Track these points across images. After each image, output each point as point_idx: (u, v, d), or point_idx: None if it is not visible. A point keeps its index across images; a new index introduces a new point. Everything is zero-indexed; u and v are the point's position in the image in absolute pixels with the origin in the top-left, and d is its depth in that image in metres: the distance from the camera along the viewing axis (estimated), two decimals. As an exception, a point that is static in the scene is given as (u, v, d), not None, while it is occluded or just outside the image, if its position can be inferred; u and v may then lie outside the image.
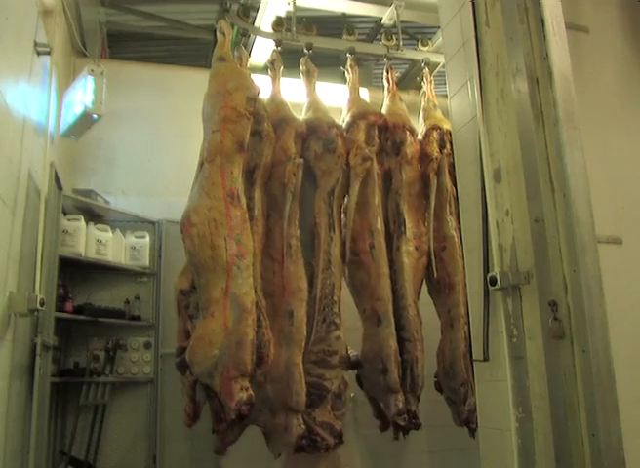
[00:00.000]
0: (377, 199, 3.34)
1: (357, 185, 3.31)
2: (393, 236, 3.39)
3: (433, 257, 3.35)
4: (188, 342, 2.58)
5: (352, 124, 3.44)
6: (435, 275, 3.32)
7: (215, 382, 2.49)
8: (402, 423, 3.08)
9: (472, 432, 3.14)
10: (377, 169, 3.39)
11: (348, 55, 3.71)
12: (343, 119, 3.51)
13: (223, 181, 2.68)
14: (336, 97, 3.74)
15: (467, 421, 3.17)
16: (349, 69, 3.69)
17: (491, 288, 2.11)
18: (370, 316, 3.22)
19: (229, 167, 2.72)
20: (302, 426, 2.80)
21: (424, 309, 3.44)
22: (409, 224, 3.37)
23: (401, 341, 3.23)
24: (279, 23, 3.56)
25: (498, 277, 2.05)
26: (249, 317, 2.54)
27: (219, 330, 2.48)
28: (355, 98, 3.60)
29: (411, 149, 3.50)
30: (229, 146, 2.74)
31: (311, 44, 3.60)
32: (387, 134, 3.53)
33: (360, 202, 3.30)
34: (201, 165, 2.81)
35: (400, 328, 3.24)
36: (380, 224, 3.31)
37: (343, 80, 3.75)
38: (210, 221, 2.59)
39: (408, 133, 3.52)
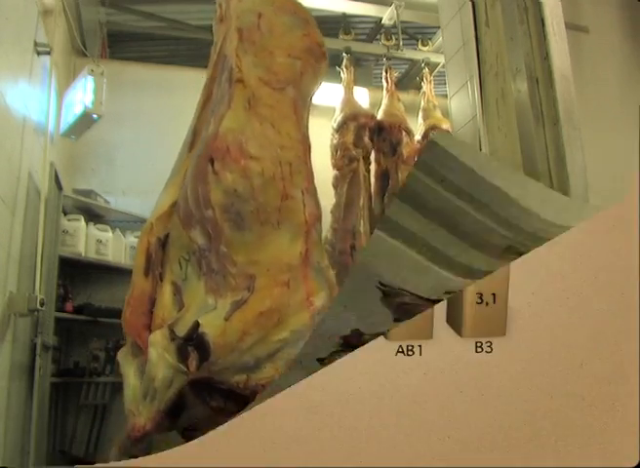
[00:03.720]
0: (362, 200, 3.36)
1: (345, 186, 3.33)
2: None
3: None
4: (185, 319, 1.71)
5: (342, 125, 3.46)
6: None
7: (259, 376, 1.77)
8: None
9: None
10: (363, 170, 3.41)
11: (344, 54, 3.72)
12: (335, 119, 3.52)
13: (298, 120, 1.98)
14: (333, 98, 3.74)
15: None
16: (344, 69, 3.70)
17: (491, 288, 2.11)
18: None
19: (302, 108, 2.02)
20: None
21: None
22: (405, 224, 3.38)
23: None
24: None
25: (498, 277, 2.05)
26: None
27: (297, 306, 1.80)
28: (348, 99, 3.61)
29: (407, 149, 3.51)
30: (307, 84, 2.04)
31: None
32: (384, 134, 3.54)
33: (346, 203, 3.32)
34: (236, 81, 1.90)
35: None
36: (363, 226, 3.32)
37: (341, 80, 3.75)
38: (284, 163, 1.87)
39: (404, 133, 3.53)
